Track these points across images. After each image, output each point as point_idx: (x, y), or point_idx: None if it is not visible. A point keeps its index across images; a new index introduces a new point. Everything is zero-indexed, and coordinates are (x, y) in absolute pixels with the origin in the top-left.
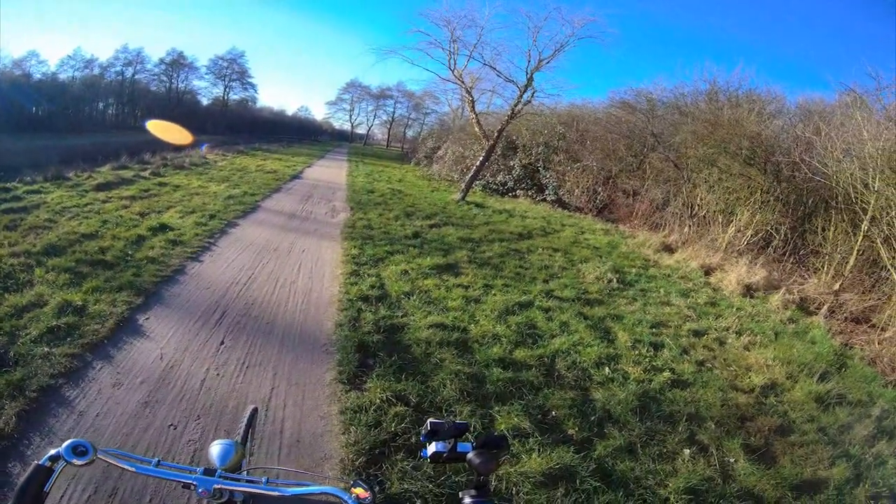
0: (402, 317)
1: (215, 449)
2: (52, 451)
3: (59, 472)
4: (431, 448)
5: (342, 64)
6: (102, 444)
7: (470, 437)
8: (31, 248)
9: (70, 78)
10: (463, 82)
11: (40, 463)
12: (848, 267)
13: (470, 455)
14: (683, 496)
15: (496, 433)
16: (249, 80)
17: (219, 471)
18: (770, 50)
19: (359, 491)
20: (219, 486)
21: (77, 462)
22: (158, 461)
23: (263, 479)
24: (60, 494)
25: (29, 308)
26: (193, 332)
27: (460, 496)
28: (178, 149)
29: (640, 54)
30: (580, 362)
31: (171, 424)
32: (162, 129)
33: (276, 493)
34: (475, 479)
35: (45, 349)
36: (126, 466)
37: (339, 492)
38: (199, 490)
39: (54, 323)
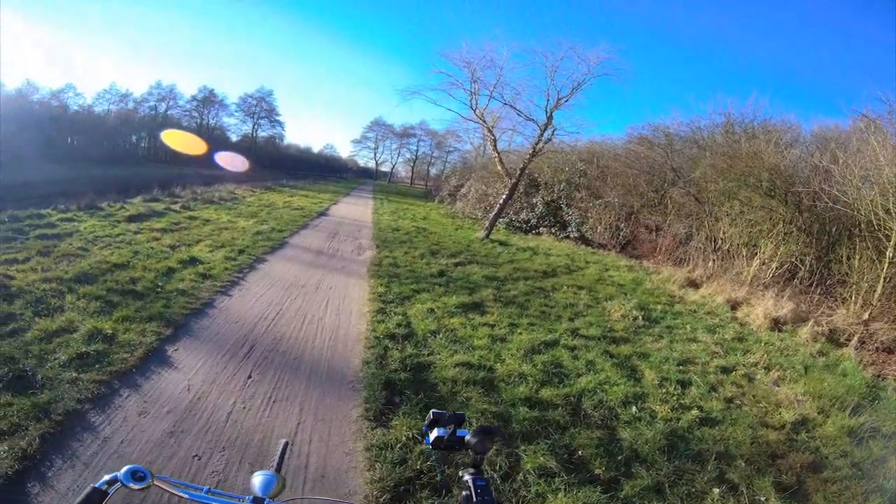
0: (428, 355)
1: (258, 479)
2: (109, 475)
3: (112, 495)
4: (434, 434)
5: (368, 102)
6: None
7: (468, 425)
8: (63, 274)
9: (105, 111)
10: (484, 121)
11: (96, 486)
12: (876, 295)
13: (468, 437)
14: None
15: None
16: (277, 117)
17: (267, 500)
18: (782, 77)
19: None
20: None
21: (134, 487)
22: (209, 489)
23: None
24: None
25: (59, 333)
26: (221, 364)
27: (460, 474)
28: (208, 183)
29: (655, 88)
30: (607, 401)
31: (196, 455)
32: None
33: None
34: (473, 459)
35: (73, 374)
36: (179, 493)
37: None
38: None
39: (84, 349)
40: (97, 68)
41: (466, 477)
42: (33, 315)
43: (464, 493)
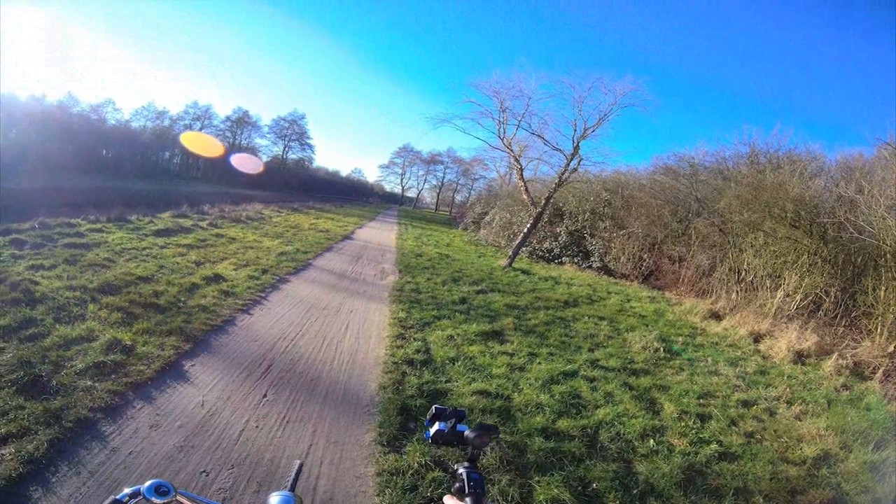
0: (445, 382)
1: (275, 500)
2: (131, 489)
3: None
4: (434, 428)
5: (397, 129)
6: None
7: (467, 422)
8: (87, 283)
9: (142, 127)
10: (511, 150)
11: (118, 497)
12: None
13: (467, 433)
14: None
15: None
16: (308, 140)
17: None
18: (806, 108)
19: None
20: None
21: (156, 501)
22: None
23: None
24: None
25: (78, 341)
26: (237, 382)
27: (455, 467)
28: (236, 202)
29: (681, 119)
30: (624, 433)
31: (204, 471)
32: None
33: None
34: (469, 453)
35: (89, 382)
36: None
37: None
38: None
39: (101, 359)
40: (134, 83)
41: (461, 469)
42: (54, 321)
43: (457, 484)
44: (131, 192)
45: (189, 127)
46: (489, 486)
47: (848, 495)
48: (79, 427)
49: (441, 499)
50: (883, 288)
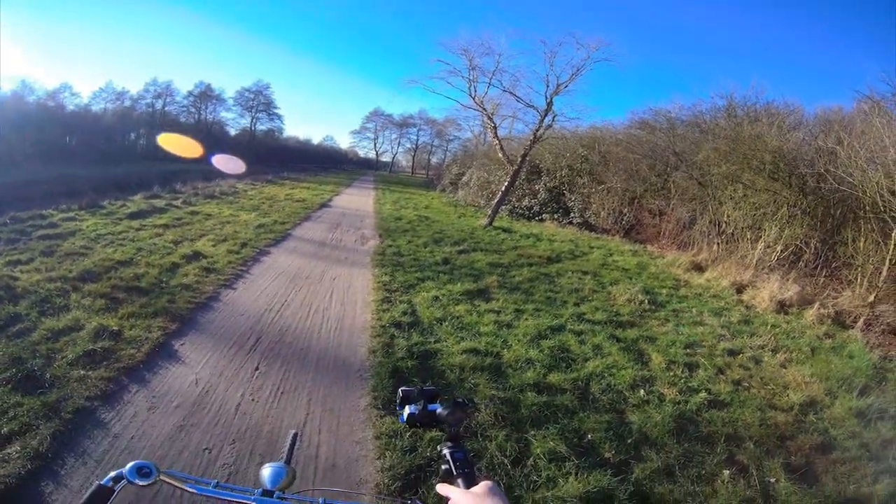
0: (434, 343)
1: (267, 471)
2: (115, 472)
3: (119, 492)
4: (406, 412)
5: (366, 93)
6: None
7: (441, 400)
8: (67, 273)
9: (102, 109)
10: (484, 109)
11: (102, 482)
12: (881, 277)
13: (439, 411)
14: None
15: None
16: (275, 110)
17: (276, 492)
18: (784, 61)
19: None
20: None
21: (140, 483)
22: (217, 483)
23: (320, 500)
24: None
25: (65, 332)
26: (228, 357)
27: (439, 448)
28: (208, 178)
29: (656, 73)
30: (615, 385)
31: (206, 448)
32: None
33: None
34: (449, 432)
35: (81, 372)
36: (186, 488)
37: None
38: None
39: (90, 347)
40: (89, 65)
41: (445, 451)
42: (39, 315)
43: (443, 466)
44: (100, 178)
45: (151, 106)
46: (487, 441)
47: (836, 440)
48: (78, 417)
49: (440, 458)
50: (862, 239)
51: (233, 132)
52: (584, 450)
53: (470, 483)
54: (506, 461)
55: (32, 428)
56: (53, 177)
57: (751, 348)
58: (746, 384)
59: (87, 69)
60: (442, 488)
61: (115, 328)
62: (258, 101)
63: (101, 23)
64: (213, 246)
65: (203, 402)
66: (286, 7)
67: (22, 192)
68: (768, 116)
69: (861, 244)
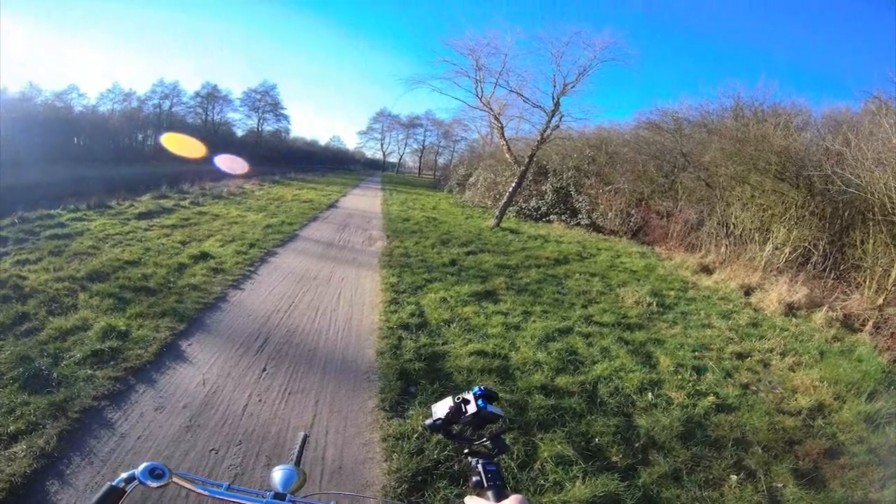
0: (442, 344)
1: (278, 474)
2: (126, 473)
3: (130, 493)
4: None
5: (374, 93)
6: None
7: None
8: (75, 273)
9: (110, 110)
10: (491, 109)
11: (114, 483)
12: (891, 280)
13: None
14: None
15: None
16: (282, 111)
17: (288, 495)
18: (792, 61)
19: None
20: None
21: (152, 484)
22: (229, 485)
23: (332, 503)
24: None
25: (73, 332)
26: (235, 358)
27: (470, 460)
28: (216, 179)
29: (663, 73)
30: (622, 388)
31: (213, 449)
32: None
33: None
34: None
35: (89, 371)
36: (198, 490)
37: None
38: None
39: (98, 346)
40: (96, 67)
41: (475, 462)
42: (47, 314)
43: (474, 478)
44: (108, 178)
45: (158, 106)
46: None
47: (844, 445)
48: (85, 417)
49: (447, 461)
50: (871, 241)
51: (240, 133)
52: (591, 454)
53: (500, 496)
54: (513, 464)
55: (39, 427)
56: (61, 178)
57: (759, 351)
58: (755, 388)
59: (89, 70)
60: (471, 501)
61: (122, 328)
62: (265, 101)
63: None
64: (221, 246)
65: (210, 403)
66: (290, 6)
67: (30, 193)
68: (775, 116)
69: (870, 246)
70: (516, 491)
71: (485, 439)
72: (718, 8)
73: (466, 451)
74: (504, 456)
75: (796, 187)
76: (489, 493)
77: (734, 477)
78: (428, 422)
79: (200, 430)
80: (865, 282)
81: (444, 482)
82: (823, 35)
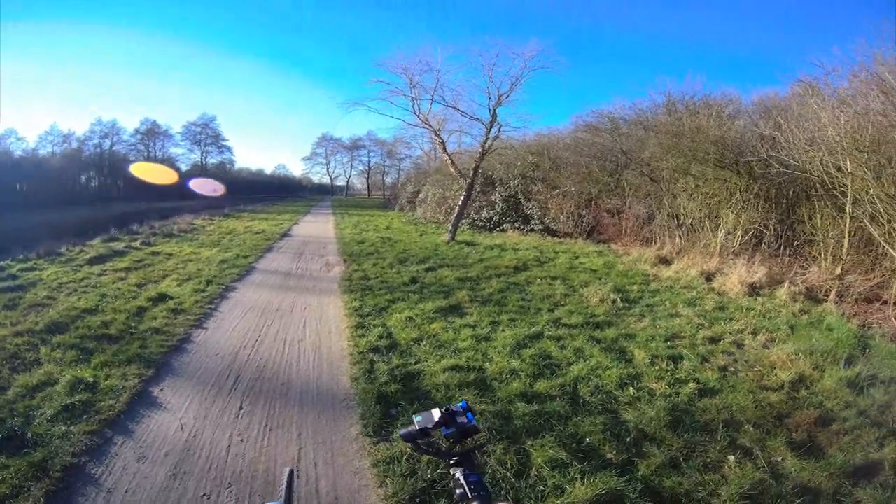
0: (415, 363)
1: None
2: None
3: None
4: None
5: (312, 119)
6: None
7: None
8: (33, 326)
9: (50, 153)
10: (430, 125)
11: None
12: (844, 250)
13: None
14: (740, 503)
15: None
16: (224, 142)
17: None
18: (717, 53)
19: None
20: None
21: None
22: None
23: None
24: None
25: (40, 387)
26: (210, 399)
27: (452, 472)
28: (165, 216)
29: (595, 77)
30: (603, 386)
31: (204, 494)
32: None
33: None
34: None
35: (63, 428)
36: None
37: None
38: None
39: (68, 401)
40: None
41: (458, 474)
42: (11, 372)
43: (457, 491)
44: (54, 224)
45: (99, 146)
46: (486, 457)
47: (833, 412)
48: (68, 475)
49: (441, 479)
50: (818, 215)
51: (184, 167)
52: (584, 454)
53: None
54: (509, 475)
55: (24, 490)
56: (7, 226)
57: (730, 333)
58: (733, 369)
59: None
60: None
61: (90, 379)
62: (206, 133)
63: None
64: (178, 286)
65: (192, 448)
66: (225, 32)
67: None
68: (707, 108)
69: (818, 220)
70: (517, 500)
71: (457, 454)
72: (639, 8)
73: (452, 462)
74: (497, 466)
75: (737, 173)
76: None
77: (732, 457)
78: (403, 432)
79: (188, 477)
80: (821, 254)
81: (443, 501)
82: (744, 24)
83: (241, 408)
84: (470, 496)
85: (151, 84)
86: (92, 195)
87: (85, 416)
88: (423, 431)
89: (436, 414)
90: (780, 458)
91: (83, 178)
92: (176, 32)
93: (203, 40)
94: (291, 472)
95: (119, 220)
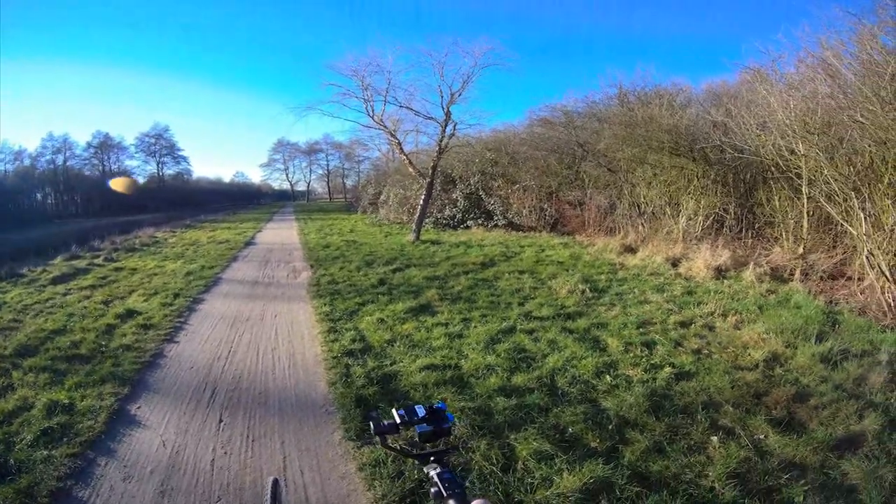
0: (391, 365)
1: None
2: None
3: None
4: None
5: (268, 125)
6: None
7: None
8: (2, 350)
9: (2, 172)
10: (385, 126)
11: None
12: (804, 230)
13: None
14: (728, 482)
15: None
16: (180, 152)
17: None
18: (664, 44)
19: None
20: None
21: None
22: None
23: None
24: None
25: (17, 413)
26: (189, 413)
27: (426, 471)
28: (125, 230)
29: (548, 72)
30: (580, 376)
31: None
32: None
33: None
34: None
35: (45, 452)
36: None
37: None
38: None
39: (46, 424)
40: None
41: (431, 472)
42: None
43: (432, 489)
44: (13, 244)
45: (52, 162)
46: (470, 454)
47: (809, 387)
48: (55, 500)
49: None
50: (776, 197)
51: (141, 180)
52: (568, 444)
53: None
54: (495, 469)
55: None
56: None
57: (701, 317)
58: (707, 351)
59: None
60: None
61: (65, 401)
62: (160, 144)
63: None
64: (146, 301)
65: (177, 464)
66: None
67: None
68: (658, 98)
69: (776, 203)
70: (506, 495)
71: (430, 453)
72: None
73: (432, 459)
74: (483, 462)
75: (693, 160)
76: (450, 503)
77: (715, 438)
78: (374, 424)
79: (176, 493)
80: (782, 235)
81: (432, 500)
82: (688, 12)
83: (221, 420)
84: (445, 494)
85: (99, 109)
86: (50, 213)
87: (65, 439)
88: (393, 426)
89: (419, 410)
90: (762, 436)
91: (39, 195)
92: (119, 60)
93: (149, 65)
94: (276, 482)
95: (79, 236)
